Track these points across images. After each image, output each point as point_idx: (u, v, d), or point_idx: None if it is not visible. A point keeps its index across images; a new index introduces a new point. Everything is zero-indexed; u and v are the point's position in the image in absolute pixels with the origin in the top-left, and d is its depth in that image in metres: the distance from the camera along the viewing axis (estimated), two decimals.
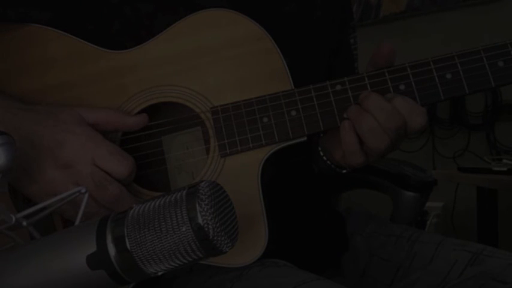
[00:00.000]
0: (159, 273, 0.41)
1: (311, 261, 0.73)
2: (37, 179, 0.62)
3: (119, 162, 0.63)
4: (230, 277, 0.66)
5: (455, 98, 0.68)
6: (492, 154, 2.14)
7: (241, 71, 0.70)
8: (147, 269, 0.40)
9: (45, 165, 0.61)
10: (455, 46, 0.72)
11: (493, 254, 0.69)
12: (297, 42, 0.78)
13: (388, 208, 1.00)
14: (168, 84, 0.70)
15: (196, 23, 0.70)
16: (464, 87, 0.67)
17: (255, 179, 0.68)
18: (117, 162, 0.63)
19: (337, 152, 0.72)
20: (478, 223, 1.92)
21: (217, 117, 0.69)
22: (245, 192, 0.67)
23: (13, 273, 0.42)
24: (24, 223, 0.46)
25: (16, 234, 0.46)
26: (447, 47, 0.74)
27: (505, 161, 1.80)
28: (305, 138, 0.69)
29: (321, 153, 0.76)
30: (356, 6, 2.53)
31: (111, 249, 0.40)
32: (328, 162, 0.76)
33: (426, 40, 2.27)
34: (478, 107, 2.22)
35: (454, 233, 2.23)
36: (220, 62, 0.70)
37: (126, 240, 0.40)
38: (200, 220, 0.39)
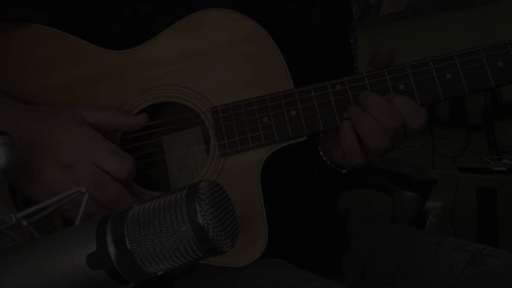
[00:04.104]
0: (159, 273, 0.41)
1: (311, 261, 0.73)
2: (37, 178, 0.62)
3: (119, 162, 0.63)
4: (230, 277, 0.66)
5: (455, 98, 0.68)
6: (492, 154, 2.13)
7: (241, 71, 0.70)
8: (147, 268, 0.40)
9: (45, 165, 0.62)
10: (455, 46, 0.72)
11: (492, 253, 0.69)
12: (296, 42, 0.78)
13: (388, 208, 1.00)
14: (168, 84, 0.70)
15: (196, 23, 0.70)
16: (464, 87, 0.67)
17: (255, 178, 0.68)
18: (117, 162, 0.63)
19: (337, 152, 0.72)
20: (477, 223, 1.92)
21: (217, 117, 0.69)
22: (245, 192, 0.67)
23: (13, 273, 0.42)
24: (24, 223, 0.45)
25: (16, 234, 0.46)
26: (447, 47, 0.74)
27: (504, 161, 1.80)
28: (305, 138, 0.69)
29: (321, 153, 0.76)
30: (356, 6, 2.53)
31: (111, 249, 0.40)
32: (328, 162, 0.76)
33: (426, 40, 2.27)
34: (477, 107, 2.22)
35: (453, 232, 2.23)
36: (220, 62, 0.70)
37: (126, 240, 0.40)
38: (200, 220, 0.39)
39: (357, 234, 0.86)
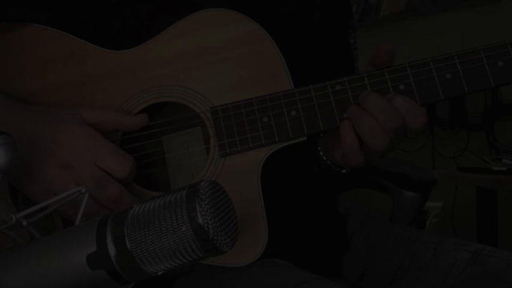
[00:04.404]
0: (159, 273, 0.41)
1: (311, 261, 0.73)
2: (37, 179, 0.62)
3: (119, 162, 0.63)
4: (230, 277, 0.66)
5: (455, 98, 0.68)
6: (492, 154, 2.13)
7: (242, 71, 0.70)
8: (147, 268, 0.40)
9: (45, 165, 0.62)
10: (454, 46, 0.72)
11: (492, 253, 0.69)
12: (296, 42, 0.78)
13: (388, 208, 1.00)
14: (168, 84, 0.70)
15: (196, 23, 0.70)
16: (464, 87, 0.67)
17: (255, 178, 0.68)
18: (117, 162, 0.63)
19: (337, 151, 0.72)
20: (477, 223, 1.92)
21: (217, 117, 0.69)
22: (245, 192, 0.67)
23: (13, 273, 0.42)
24: (24, 223, 0.46)
25: (16, 234, 0.46)
26: (447, 47, 0.74)
27: (504, 161, 1.80)
28: (305, 138, 0.69)
29: (321, 153, 0.76)
30: (356, 6, 2.53)
31: (111, 249, 0.40)
32: (328, 162, 0.76)
33: (426, 40, 2.27)
34: (477, 107, 2.22)
35: (453, 232, 2.23)
36: (220, 62, 0.70)
37: (126, 240, 0.40)
38: (200, 220, 0.39)
39: (357, 234, 0.86)
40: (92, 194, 0.62)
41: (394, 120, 0.64)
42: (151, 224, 0.39)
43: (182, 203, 0.39)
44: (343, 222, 0.88)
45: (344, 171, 0.76)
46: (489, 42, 0.67)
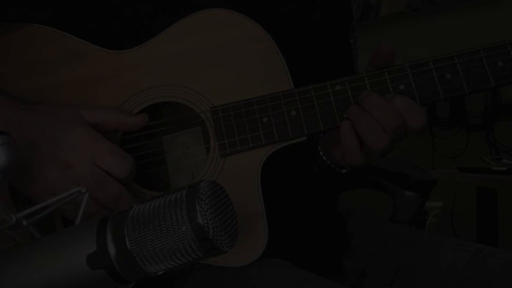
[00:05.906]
0: (159, 273, 0.41)
1: (311, 261, 0.73)
2: (37, 178, 0.62)
3: (119, 162, 0.63)
4: (230, 277, 0.66)
5: (455, 98, 0.68)
6: (492, 154, 2.13)
7: (241, 71, 0.70)
8: (147, 268, 0.40)
9: (45, 165, 0.62)
10: (454, 46, 0.72)
11: (492, 253, 0.69)
12: (296, 42, 0.78)
13: (388, 208, 1.00)
14: (167, 84, 0.70)
15: (196, 23, 0.70)
16: (464, 87, 0.67)
17: (255, 178, 0.68)
18: (117, 162, 0.63)
19: (337, 151, 0.72)
20: (477, 223, 1.92)
21: (217, 117, 0.69)
22: (245, 191, 0.67)
23: (13, 273, 0.42)
24: (24, 223, 0.46)
25: (16, 234, 0.46)
26: (447, 47, 0.74)
27: (504, 161, 1.80)
28: (305, 138, 0.69)
29: (321, 153, 0.76)
30: (356, 6, 2.53)
31: (111, 249, 0.40)
32: (328, 161, 0.76)
33: (425, 40, 2.27)
34: (477, 107, 2.22)
35: (453, 232, 2.23)
36: (220, 61, 0.70)
37: (126, 239, 0.40)
38: (200, 220, 0.39)
39: (357, 234, 0.86)
40: (91, 194, 0.62)
41: (394, 120, 0.64)
42: (151, 224, 0.39)
43: (182, 203, 0.39)
44: (343, 222, 0.88)
45: (344, 171, 0.76)
46: (489, 42, 0.67)
